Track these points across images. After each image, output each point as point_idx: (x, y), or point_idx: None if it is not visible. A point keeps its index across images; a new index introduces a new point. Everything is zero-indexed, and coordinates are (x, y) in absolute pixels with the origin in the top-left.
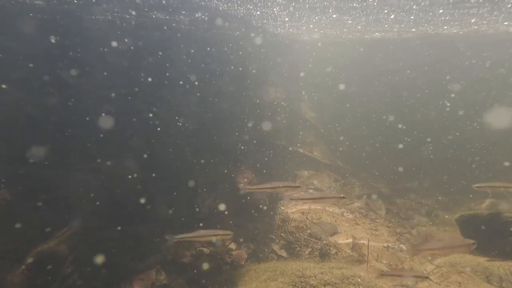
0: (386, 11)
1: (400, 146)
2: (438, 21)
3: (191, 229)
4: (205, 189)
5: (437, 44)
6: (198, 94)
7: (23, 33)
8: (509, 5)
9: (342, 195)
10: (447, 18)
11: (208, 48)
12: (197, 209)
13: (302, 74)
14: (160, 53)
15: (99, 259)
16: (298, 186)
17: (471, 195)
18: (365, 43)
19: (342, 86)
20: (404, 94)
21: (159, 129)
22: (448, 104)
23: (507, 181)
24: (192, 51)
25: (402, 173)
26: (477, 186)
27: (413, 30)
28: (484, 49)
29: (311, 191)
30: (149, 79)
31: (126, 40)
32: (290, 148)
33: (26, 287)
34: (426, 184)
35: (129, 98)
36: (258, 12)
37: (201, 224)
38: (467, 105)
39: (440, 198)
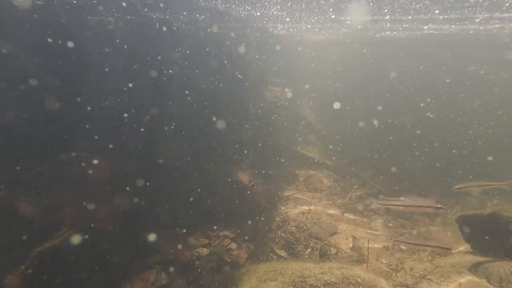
0: (386, 10)
1: (400, 146)
2: (439, 21)
3: (191, 230)
4: (205, 189)
5: (437, 44)
6: (197, 94)
7: (23, 33)
8: (507, 4)
9: (439, 206)
10: (446, 17)
11: (207, 48)
12: (197, 210)
13: (302, 74)
14: (159, 53)
15: (99, 259)
16: (441, 207)
17: (472, 195)
18: (366, 44)
19: (342, 86)
20: (405, 95)
21: (159, 129)
22: (449, 104)
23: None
24: (191, 51)
25: (402, 173)
26: (457, 188)
27: (414, 30)
28: (481, 50)
29: (402, 198)
30: (148, 79)
31: (125, 40)
32: (290, 148)
33: (26, 287)
34: (426, 184)
35: (128, 98)
36: (258, 13)
37: (201, 225)
38: (469, 105)
39: (440, 198)
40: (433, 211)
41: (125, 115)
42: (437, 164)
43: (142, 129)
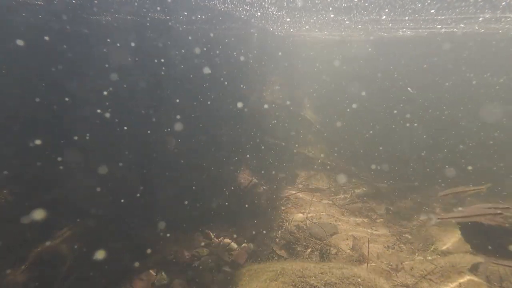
0: (386, 10)
1: (402, 146)
2: (440, 21)
3: (192, 229)
4: (205, 190)
5: (439, 44)
6: (198, 94)
7: (23, 33)
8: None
9: (499, 211)
10: (442, 17)
11: (207, 49)
12: (197, 210)
13: (302, 74)
14: (160, 53)
15: (99, 259)
16: (500, 213)
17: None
18: (366, 43)
19: (342, 86)
20: (406, 95)
21: (159, 129)
22: (450, 104)
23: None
24: (192, 51)
25: (402, 173)
26: (442, 195)
27: (415, 29)
28: (482, 49)
29: (460, 208)
30: (149, 79)
31: (125, 40)
32: (291, 148)
33: (26, 287)
34: (426, 184)
35: (129, 97)
36: (259, 13)
37: (202, 225)
38: (470, 105)
39: (440, 198)
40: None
41: (123, 115)
42: (439, 164)
43: (141, 129)
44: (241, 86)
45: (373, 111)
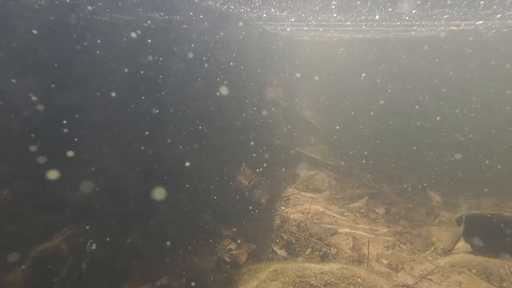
0: (390, 9)
1: (401, 146)
2: (441, 21)
3: (192, 229)
4: (205, 190)
5: (439, 45)
6: (198, 94)
7: (24, 33)
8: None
9: None
10: (444, 17)
11: (208, 49)
12: (197, 209)
13: (302, 74)
14: (160, 53)
15: (99, 259)
16: None
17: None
18: (366, 43)
19: (342, 86)
20: (406, 95)
21: (159, 129)
22: (449, 105)
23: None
24: (192, 51)
25: (402, 173)
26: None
27: (415, 30)
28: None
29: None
30: (149, 79)
31: (126, 39)
32: (291, 148)
33: (26, 287)
34: (426, 184)
35: (129, 97)
36: (265, 14)
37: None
38: (468, 105)
39: (442, 198)
40: None
41: (126, 114)
42: (439, 164)
43: (141, 130)
44: (242, 86)
45: (375, 111)
